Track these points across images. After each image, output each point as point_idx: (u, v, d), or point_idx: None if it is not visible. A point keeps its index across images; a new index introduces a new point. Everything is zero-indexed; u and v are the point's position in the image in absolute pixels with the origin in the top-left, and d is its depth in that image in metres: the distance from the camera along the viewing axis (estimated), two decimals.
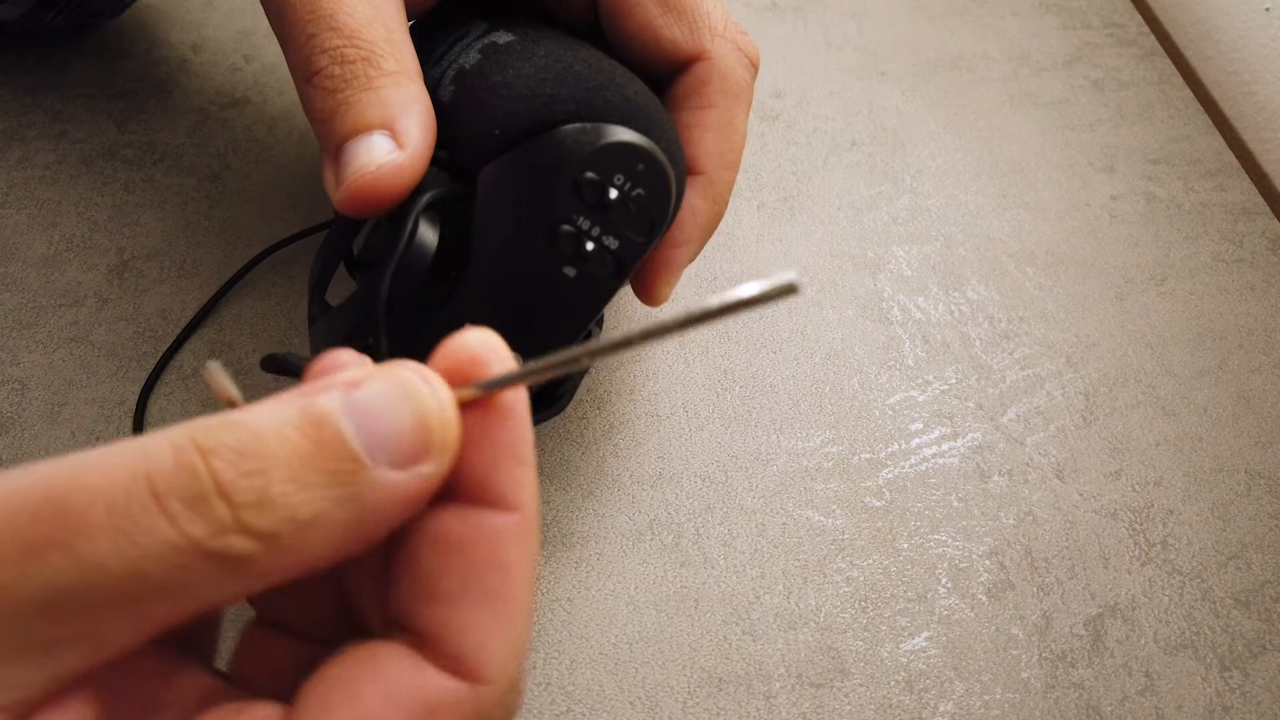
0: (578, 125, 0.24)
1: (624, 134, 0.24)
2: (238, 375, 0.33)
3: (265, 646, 0.18)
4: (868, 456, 0.34)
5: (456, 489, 0.16)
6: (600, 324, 0.29)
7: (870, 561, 0.32)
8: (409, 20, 0.30)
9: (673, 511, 0.32)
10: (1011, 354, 0.37)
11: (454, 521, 0.15)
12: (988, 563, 0.32)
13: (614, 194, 0.24)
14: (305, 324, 0.35)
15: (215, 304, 0.35)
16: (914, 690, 0.30)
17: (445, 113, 0.26)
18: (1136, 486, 0.34)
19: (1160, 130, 0.45)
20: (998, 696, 0.30)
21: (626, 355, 0.36)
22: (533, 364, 0.16)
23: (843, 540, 0.32)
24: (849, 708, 0.29)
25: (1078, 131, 0.45)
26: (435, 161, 0.25)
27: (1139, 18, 0.50)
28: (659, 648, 0.30)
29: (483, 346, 0.16)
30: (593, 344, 0.15)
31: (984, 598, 0.31)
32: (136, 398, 0.33)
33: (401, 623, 0.16)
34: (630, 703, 0.29)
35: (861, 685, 0.30)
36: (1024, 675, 0.30)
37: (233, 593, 0.14)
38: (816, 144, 0.43)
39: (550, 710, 0.29)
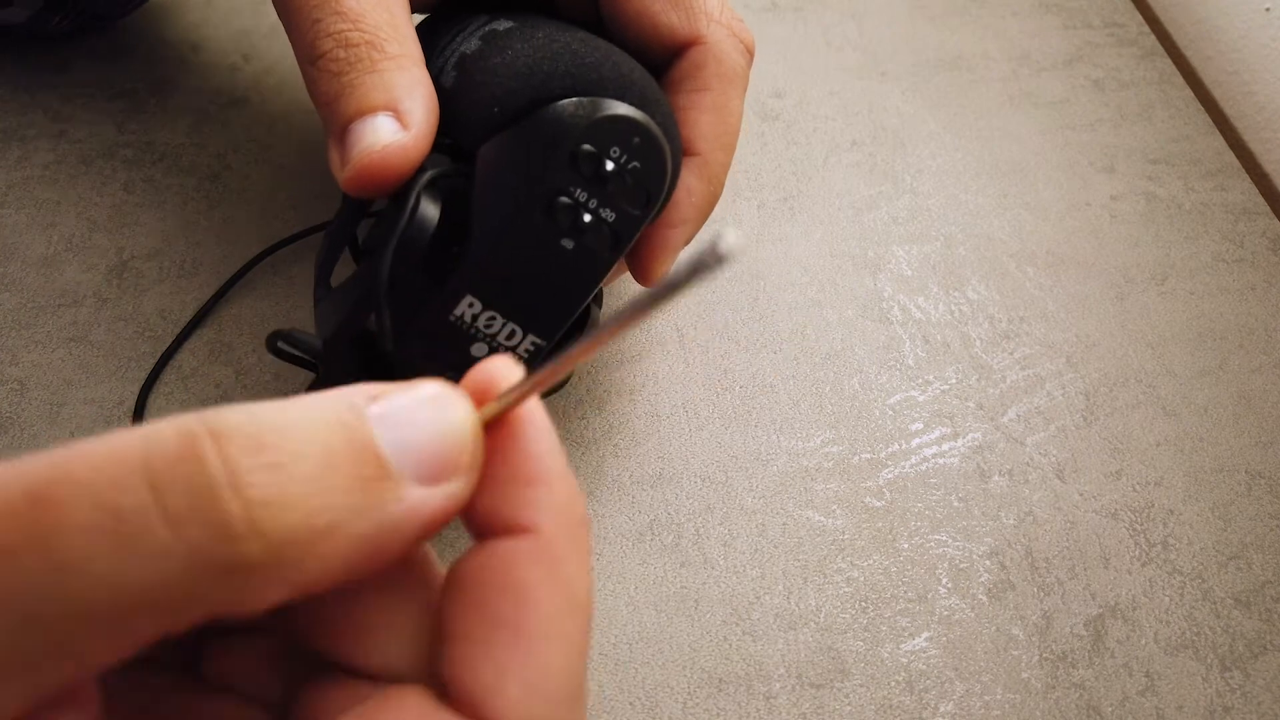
0: (574, 100, 0.25)
1: (620, 107, 0.24)
2: (238, 375, 0.33)
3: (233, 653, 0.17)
4: (868, 456, 0.34)
5: (471, 522, 0.15)
6: (599, 302, 0.29)
7: (870, 562, 0.32)
8: (418, 15, 0.30)
9: (673, 512, 0.32)
10: (1012, 354, 0.37)
11: (468, 554, 0.14)
12: (988, 563, 0.32)
13: (610, 166, 0.24)
14: (306, 324, 0.35)
15: (215, 304, 0.35)
16: (914, 691, 0.30)
17: (447, 98, 0.26)
18: (1137, 486, 0.34)
19: (1160, 130, 0.45)
20: (998, 697, 0.30)
21: (626, 355, 0.36)
22: (523, 381, 0.15)
23: (843, 540, 0.32)
24: (849, 708, 0.29)
25: (1078, 131, 0.45)
26: (437, 147, 0.25)
27: (1139, 17, 0.50)
28: (659, 648, 0.30)
29: (506, 370, 0.15)
30: (573, 347, 0.15)
31: (984, 598, 0.31)
32: (136, 398, 0.33)
33: (431, 668, 0.14)
34: (630, 703, 0.29)
35: (862, 686, 0.30)
36: (1024, 675, 0.30)
37: (227, 608, 0.12)
38: (816, 144, 0.43)
39: None
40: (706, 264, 0.12)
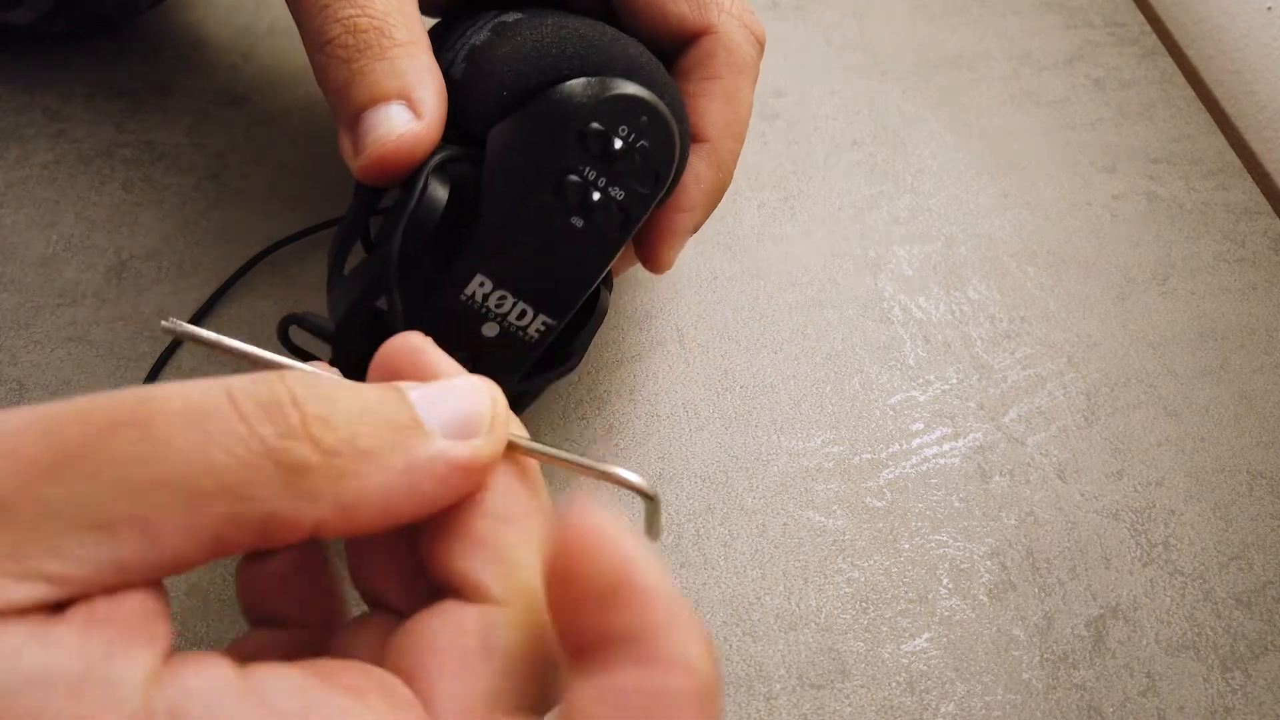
0: (582, 80, 0.25)
1: (628, 86, 0.25)
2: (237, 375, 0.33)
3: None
4: (868, 457, 0.34)
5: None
6: (609, 286, 0.29)
7: (871, 562, 0.32)
8: (434, 17, 0.30)
9: (673, 512, 0.32)
10: (1013, 354, 0.37)
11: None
12: (989, 563, 0.32)
13: (619, 145, 0.24)
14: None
15: (214, 304, 0.35)
16: (915, 691, 0.30)
17: (458, 89, 0.26)
18: (1138, 487, 0.34)
19: (1162, 129, 0.45)
20: (999, 697, 0.30)
21: (626, 355, 0.36)
22: (540, 447, 0.18)
23: (843, 541, 0.32)
24: (850, 709, 0.29)
25: (1079, 131, 0.44)
26: (446, 137, 0.26)
27: (1140, 17, 0.50)
28: None
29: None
30: (562, 454, 0.18)
31: (985, 598, 0.31)
32: None
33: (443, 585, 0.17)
34: None
35: (862, 686, 0.30)
36: (1025, 676, 0.30)
37: (288, 509, 0.14)
38: (817, 143, 0.43)
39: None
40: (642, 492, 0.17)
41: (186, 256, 0.36)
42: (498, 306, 0.25)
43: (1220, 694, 0.30)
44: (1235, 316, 0.39)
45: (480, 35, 0.27)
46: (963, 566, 0.32)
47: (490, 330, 0.26)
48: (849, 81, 0.45)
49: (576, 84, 0.25)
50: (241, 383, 0.14)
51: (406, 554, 0.18)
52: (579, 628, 0.15)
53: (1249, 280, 0.40)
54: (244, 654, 0.17)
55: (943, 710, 0.29)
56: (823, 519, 0.33)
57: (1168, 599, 0.32)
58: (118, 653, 0.13)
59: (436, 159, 0.25)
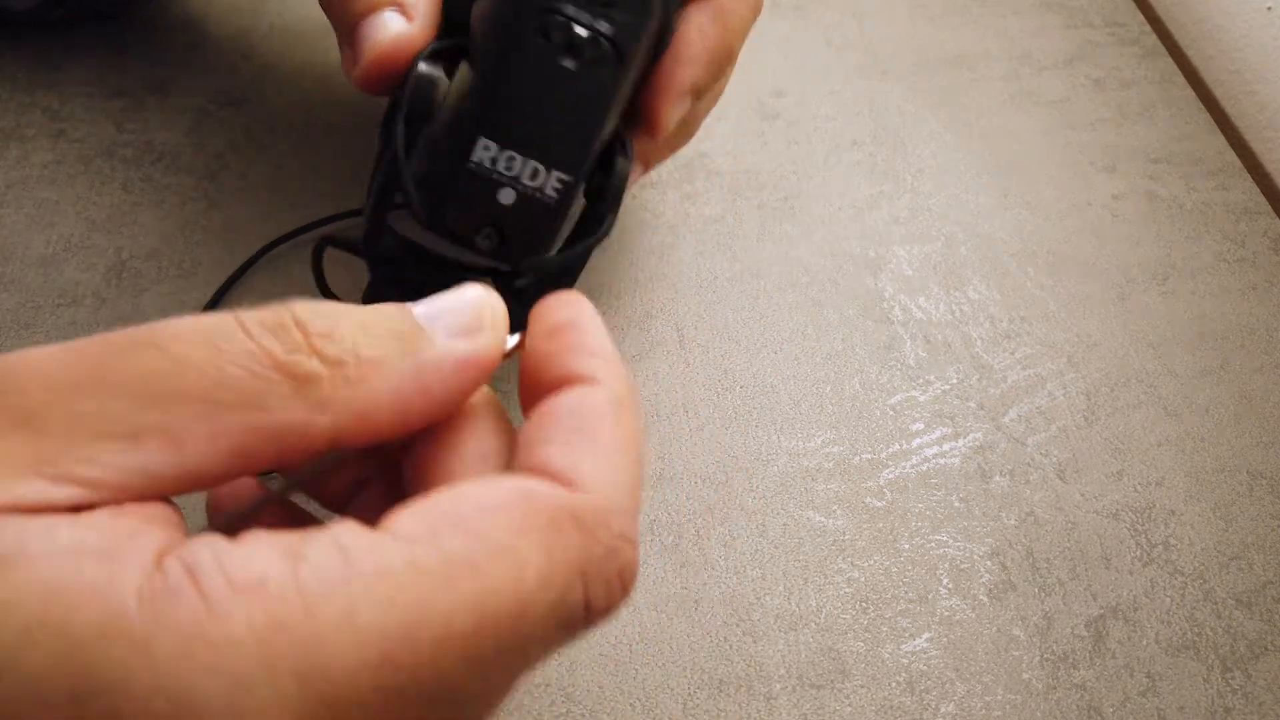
0: None
1: None
2: None
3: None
4: (869, 457, 0.34)
5: (543, 383, 0.18)
6: (628, 155, 0.28)
7: (871, 562, 0.32)
8: None
9: (673, 512, 0.32)
10: (1013, 354, 0.37)
11: (547, 399, 0.18)
12: (989, 563, 0.32)
13: None
14: None
15: (214, 304, 0.35)
16: (915, 691, 0.30)
17: None
18: (1138, 487, 0.34)
19: (1162, 129, 0.45)
20: (999, 698, 0.30)
21: (626, 355, 0.36)
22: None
23: (843, 541, 0.32)
24: (850, 709, 0.29)
25: (1079, 131, 0.44)
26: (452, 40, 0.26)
27: (1140, 17, 0.50)
28: (659, 649, 0.30)
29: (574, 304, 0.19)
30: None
31: (985, 598, 0.31)
32: None
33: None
34: (630, 704, 0.29)
35: (862, 686, 0.29)
36: (1025, 676, 0.30)
37: (303, 418, 0.15)
38: (817, 143, 0.43)
39: (550, 711, 0.28)
40: None
41: (186, 256, 0.36)
42: (508, 169, 0.25)
43: (1220, 694, 0.30)
44: (1235, 316, 0.39)
45: None
46: (963, 566, 0.32)
47: (507, 196, 0.25)
48: (849, 81, 0.45)
49: None
50: (249, 313, 0.16)
51: None
52: (533, 388, 0.18)
53: (1249, 280, 0.40)
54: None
55: (943, 710, 0.29)
56: (823, 519, 0.33)
57: (1168, 599, 0.32)
58: (141, 531, 0.14)
59: (428, 49, 0.25)
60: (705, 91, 0.29)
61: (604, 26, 0.24)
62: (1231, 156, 0.44)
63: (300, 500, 0.22)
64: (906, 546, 0.32)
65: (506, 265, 0.26)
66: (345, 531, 0.14)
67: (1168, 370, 0.37)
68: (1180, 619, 0.31)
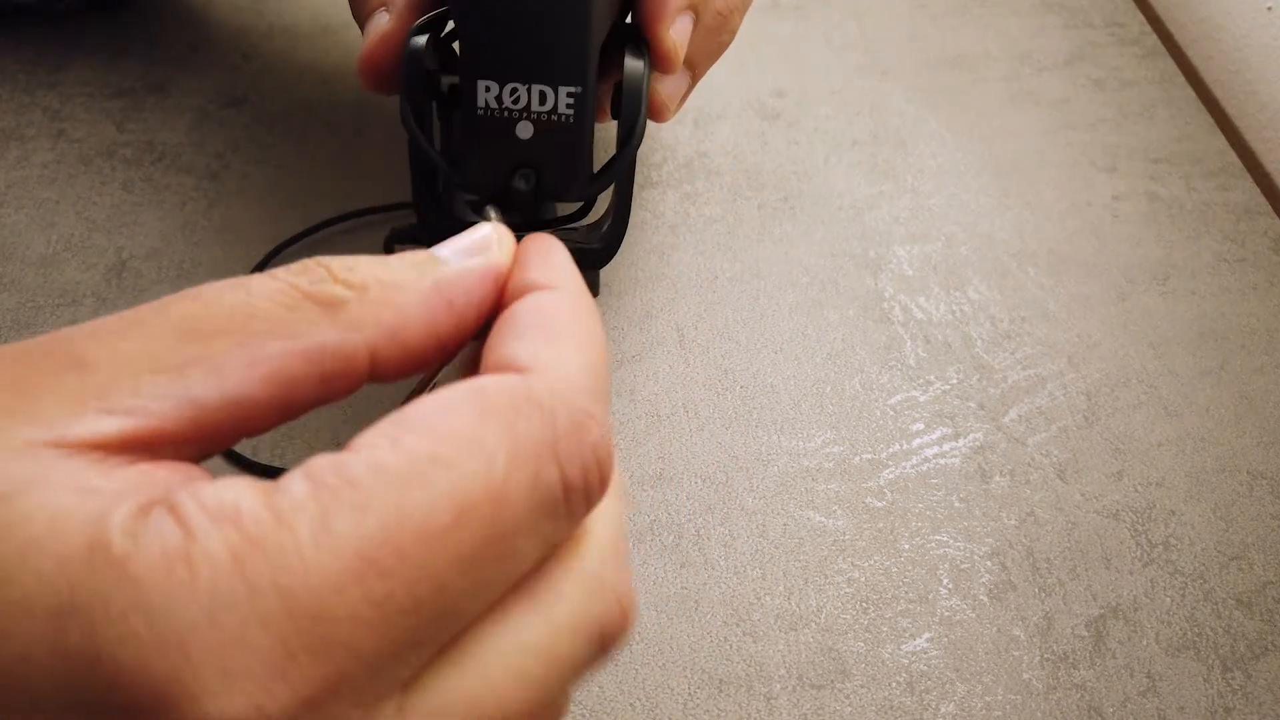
0: None
1: None
2: None
3: None
4: (869, 457, 0.34)
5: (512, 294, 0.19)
6: (639, 49, 0.27)
7: (871, 562, 0.32)
8: None
9: (673, 512, 0.32)
10: (1013, 354, 0.37)
11: (509, 309, 0.19)
12: (989, 563, 0.32)
13: None
14: None
15: None
16: (915, 691, 0.30)
17: None
18: (1138, 487, 0.34)
19: (1162, 130, 0.45)
20: (999, 698, 0.30)
21: (626, 355, 0.36)
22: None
23: (844, 541, 0.32)
24: (850, 709, 0.29)
25: (1079, 131, 0.44)
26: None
27: (1141, 17, 0.50)
28: (659, 649, 0.30)
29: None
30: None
31: (985, 599, 0.31)
32: None
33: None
34: (630, 704, 0.29)
35: (862, 686, 0.29)
36: (1025, 676, 0.30)
37: (337, 338, 0.16)
38: (818, 143, 0.43)
39: None
40: None
41: (186, 256, 0.36)
42: (516, 102, 0.25)
43: (1220, 694, 0.30)
44: (1236, 317, 0.39)
45: None
46: (963, 567, 0.32)
47: (525, 130, 0.25)
48: (849, 81, 0.45)
49: None
50: (273, 270, 0.17)
51: None
52: (500, 309, 0.19)
53: (1249, 280, 0.40)
54: None
55: (943, 710, 0.29)
56: (823, 519, 0.33)
57: (1168, 599, 0.32)
58: (159, 483, 0.15)
59: (414, 27, 0.26)
60: (700, 8, 0.28)
61: None
62: (1232, 156, 0.44)
63: None
64: (907, 546, 0.32)
65: (552, 204, 0.26)
66: (312, 460, 0.15)
67: (1168, 370, 0.37)
68: (1180, 619, 0.31)
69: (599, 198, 0.27)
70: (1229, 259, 0.41)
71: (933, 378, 0.36)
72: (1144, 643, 0.31)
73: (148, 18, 0.43)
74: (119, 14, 0.43)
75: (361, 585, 0.13)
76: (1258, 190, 0.43)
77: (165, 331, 0.15)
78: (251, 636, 0.13)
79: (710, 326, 0.37)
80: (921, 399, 0.35)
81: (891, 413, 0.35)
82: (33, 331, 0.34)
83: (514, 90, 0.24)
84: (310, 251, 0.36)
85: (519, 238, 0.20)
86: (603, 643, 0.17)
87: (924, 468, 0.34)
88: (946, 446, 0.34)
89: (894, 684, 0.30)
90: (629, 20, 0.29)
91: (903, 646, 0.30)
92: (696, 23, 0.28)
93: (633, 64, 0.27)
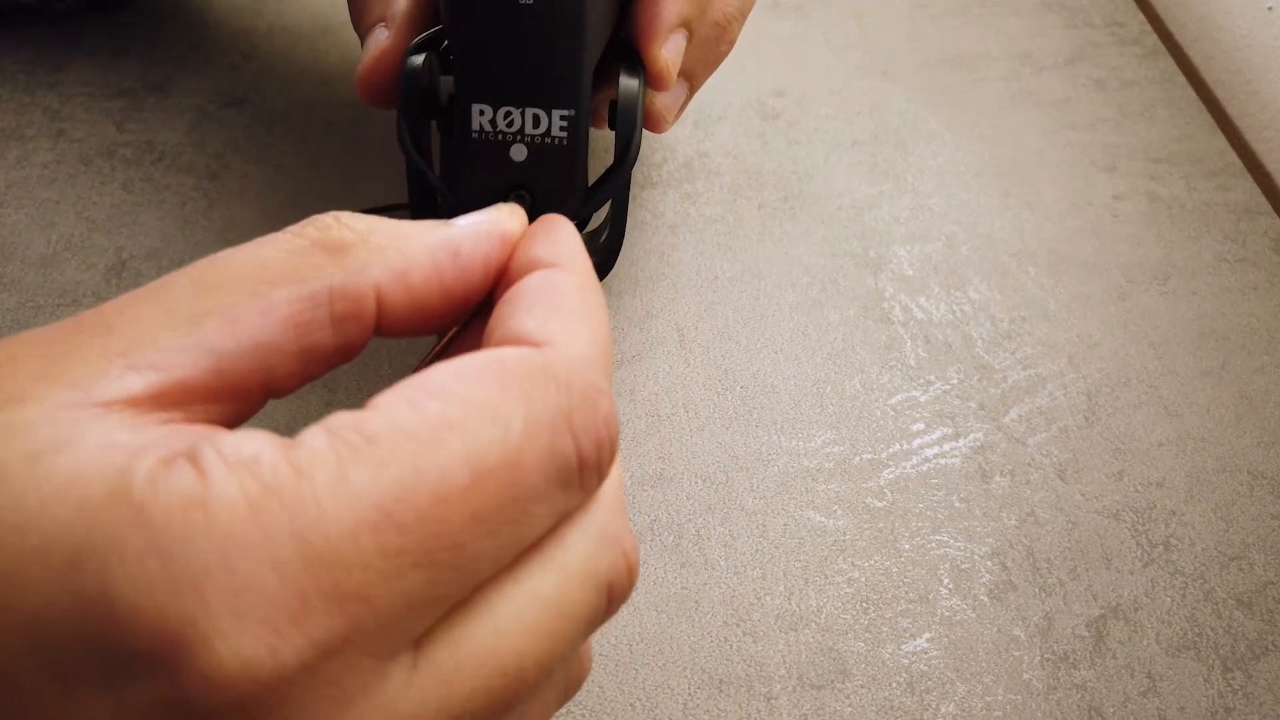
0: None
1: None
2: None
3: None
4: (869, 457, 0.34)
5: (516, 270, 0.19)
6: (634, 67, 0.27)
7: (872, 562, 0.32)
8: None
9: (673, 512, 0.32)
10: (1013, 354, 0.37)
11: (514, 286, 0.19)
12: (989, 563, 0.32)
13: None
14: None
15: None
16: (915, 692, 0.30)
17: None
18: (1139, 487, 0.34)
19: (1163, 129, 0.45)
20: (999, 698, 0.30)
21: (626, 355, 0.35)
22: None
23: (844, 541, 0.32)
24: (850, 709, 0.29)
25: (1080, 131, 0.44)
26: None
27: (1141, 17, 0.50)
28: (659, 649, 0.30)
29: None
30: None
31: (986, 599, 0.31)
32: None
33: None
34: (630, 704, 0.29)
35: (863, 686, 0.29)
36: (1026, 676, 0.30)
37: (344, 280, 0.17)
38: (818, 143, 0.43)
39: None
40: None
41: (186, 256, 0.36)
42: (510, 126, 0.25)
43: (1221, 694, 0.30)
44: (1236, 317, 0.39)
45: None
46: (963, 567, 0.32)
47: (519, 153, 0.25)
48: (849, 81, 0.45)
49: None
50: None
51: None
52: (505, 286, 0.19)
53: (1250, 280, 0.40)
54: None
55: (943, 710, 0.29)
56: (823, 519, 0.33)
57: (1168, 599, 0.32)
58: (185, 437, 0.15)
59: (411, 46, 0.26)
60: (695, 22, 0.28)
61: None
62: (1232, 156, 0.44)
63: None
64: (907, 547, 0.32)
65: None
66: (332, 416, 0.15)
67: (1168, 370, 0.37)
68: (1181, 619, 0.31)
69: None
70: (1229, 259, 0.41)
71: (933, 378, 0.36)
72: (1144, 643, 0.31)
73: (147, 18, 0.43)
74: (119, 14, 0.43)
75: (376, 536, 0.13)
76: (1258, 190, 0.43)
77: (181, 290, 0.16)
78: (265, 581, 0.13)
79: (710, 326, 0.37)
80: (922, 399, 0.35)
81: (892, 413, 0.35)
82: None
83: (508, 114, 0.25)
84: None
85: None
86: (610, 594, 0.17)
87: (924, 468, 0.34)
88: (947, 446, 0.34)
89: (894, 684, 0.30)
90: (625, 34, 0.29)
91: (903, 646, 0.30)
92: (692, 36, 0.28)
93: (627, 82, 0.27)
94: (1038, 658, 0.30)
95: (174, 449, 0.14)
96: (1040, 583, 0.32)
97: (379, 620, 0.14)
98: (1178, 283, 0.40)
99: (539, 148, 0.25)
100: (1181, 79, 0.47)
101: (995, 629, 0.31)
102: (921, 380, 0.36)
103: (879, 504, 0.33)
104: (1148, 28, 0.49)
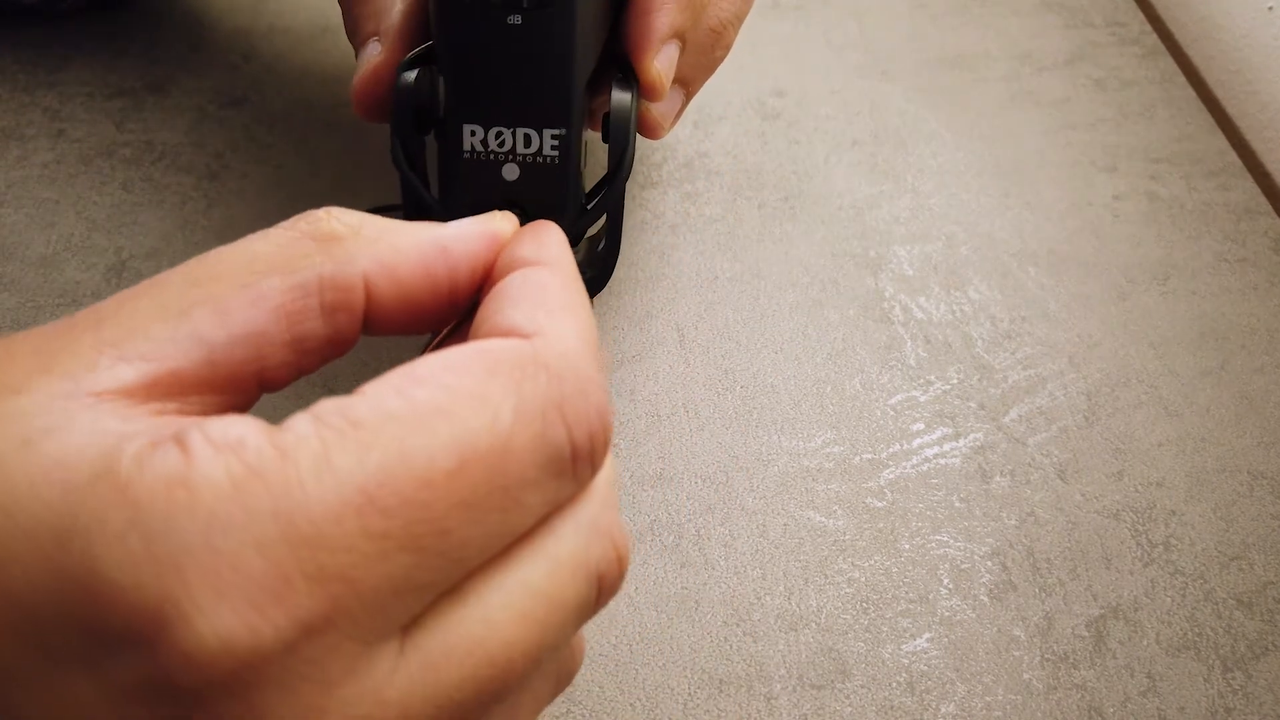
0: None
1: None
2: None
3: None
4: (869, 457, 0.34)
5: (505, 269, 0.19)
6: (627, 80, 0.27)
7: (872, 562, 0.32)
8: None
9: (673, 512, 0.32)
10: (1013, 354, 0.37)
11: (499, 284, 0.19)
12: (989, 563, 0.32)
13: None
14: None
15: None
16: (915, 692, 0.30)
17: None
18: (1139, 487, 0.34)
19: (1163, 129, 0.45)
20: (999, 698, 0.30)
21: (626, 355, 0.36)
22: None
23: (844, 541, 0.32)
24: (850, 709, 0.29)
25: (1080, 131, 0.44)
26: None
27: (1141, 16, 0.50)
28: (659, 648, 0.30)
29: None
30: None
31: (986, 599, 0.31)
32: None
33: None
34: (630, 704, 0.29)
35: (863, 687, 0.29)
36: (1026, 676, 0.30)
37: (333, 270, 0.17)
38: (818, 143, 0.43)
39: (550, 711, 0.28)
40: None
41: (186, 256, 0.36)
42: (501, 146, 0.25)
43: (1221, 694, 0.30)
44: (1236, 317, 0.39)
45: None
46: (963, 567, 0.32)
47: (511, 173, 0.25)
48: (849, 81, 0.45)
49: None
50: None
51: None
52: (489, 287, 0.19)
53: (1250, 280, 0.40)
54: None
55: (943, 710, 0.29)
56: (823, 519, 0.33)
57: (1168, 599, 0.32)
58: (173, 426, 0.15)
59: (404, 62, 0.26)
60: (688, 31, 0.28)
61: None
62: (1232, 156, 0.44)
63: None
64: (907, 547, 0.32)
65: None
66: (319, 403, 0.15)
67: (1168, 370, 0.37)
68: (1181, 619, 0.31)
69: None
70: (1229, 259, 0.41)
71: (933, 378, 0.36)
72: (1144, 643, 0.31)
73: (147, 18, 0.43)
74: (119, 14, 0.43)
75: (360, 519, 0.13)
76: (1258, 190, 0.43)
77: (173, 285, 0.16)
78: (247, 560, 0.13)
79: (710, 326, 0.37)
80: (922, 399, 0.35)
81: (892, 413, 0.35)
82: None
83: (499, 134, 0.25)
84: None
85: None
86: (601, 585, 0.17)
87: (924, 468, 0.34)
88: (947, 446, 0.34)
89: (894, 684, 0.30)
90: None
91: (903, 646, 0.30)
92: (687, 43, 0.28)
93: (619, 96, 0.27)
94: (1038, 658, 0.30)
95: (163, 434, 0.14)
96: (1040, 583, 0.32)
97: (363, 603, 0.14)
98: (1178, 283, 0.40)
99: (531, 167, 0.25)
100: (1181, 79, 0.47)
101: (995, 629, 0.31)
102: (921, 380, 0.36)
103: (879, 504, 0.33)
104: (1148, 28, 0.49)
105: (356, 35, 0.28)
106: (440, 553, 0.14)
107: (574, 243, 0.28)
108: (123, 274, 0.35)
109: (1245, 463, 0.35)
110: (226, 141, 0.39)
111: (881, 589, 0.31)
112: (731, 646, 0.30)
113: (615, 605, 0.30)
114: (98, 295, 0.35)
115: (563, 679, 0.19)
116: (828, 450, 0.34)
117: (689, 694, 0.29)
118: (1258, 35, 0.47)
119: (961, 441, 0.35)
